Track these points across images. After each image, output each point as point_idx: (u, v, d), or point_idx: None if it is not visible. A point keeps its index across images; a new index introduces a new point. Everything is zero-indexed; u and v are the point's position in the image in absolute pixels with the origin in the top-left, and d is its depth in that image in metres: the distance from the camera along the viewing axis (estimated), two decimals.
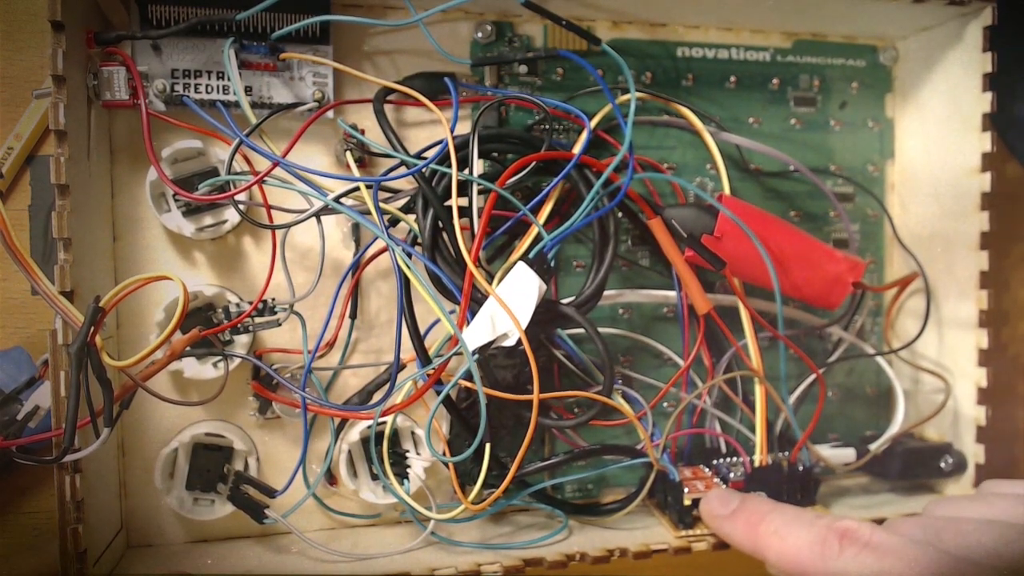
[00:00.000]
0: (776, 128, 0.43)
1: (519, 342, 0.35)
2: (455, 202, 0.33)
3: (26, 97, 0.36)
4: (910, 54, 0.44)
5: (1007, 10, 0.39)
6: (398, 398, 0.35)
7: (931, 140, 0.43)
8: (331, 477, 0.38)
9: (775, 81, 0.43)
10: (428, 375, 0.33)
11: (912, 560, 0.28)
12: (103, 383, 0.28)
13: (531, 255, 0.34)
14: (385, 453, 0.35)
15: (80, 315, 0.28)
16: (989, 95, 0.40)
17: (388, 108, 0.36)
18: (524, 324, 0.32)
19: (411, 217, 0.35)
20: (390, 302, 0.38)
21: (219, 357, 0.35)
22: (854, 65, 0.44)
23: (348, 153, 0.35)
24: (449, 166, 0.33)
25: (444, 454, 0.36)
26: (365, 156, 0.36)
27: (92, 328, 0.27)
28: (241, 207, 0.33)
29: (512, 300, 0.33)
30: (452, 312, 0.34)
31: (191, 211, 0.35)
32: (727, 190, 0.40)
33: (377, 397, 0.37)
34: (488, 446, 0.33)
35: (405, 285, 0.33)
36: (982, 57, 0.40)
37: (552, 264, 0.34)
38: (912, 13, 0.40)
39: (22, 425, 0.35)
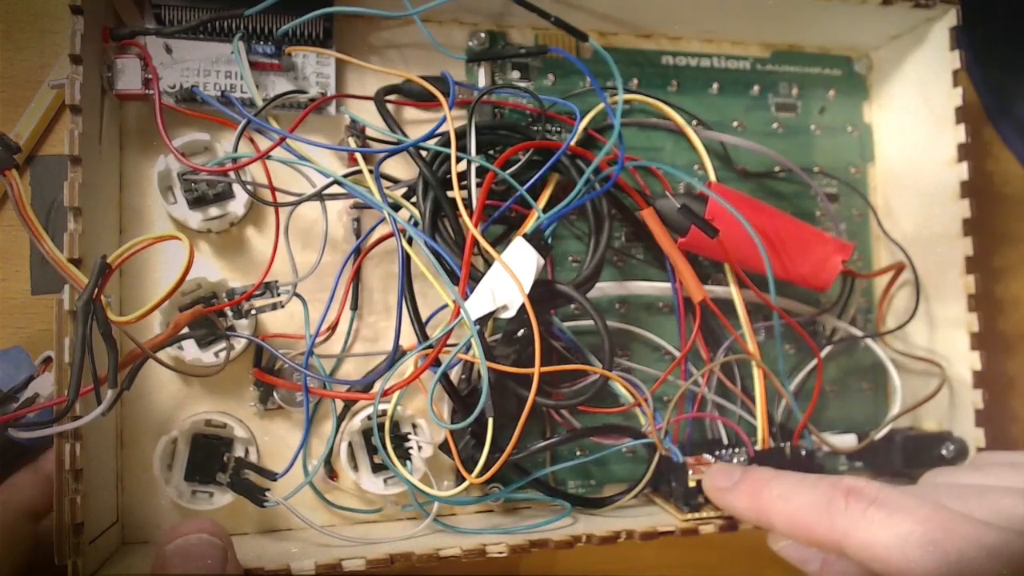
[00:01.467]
0: (759, 131, 0.45)
1: (518, 325, 0.36)
2: (455, 181, 0.34)
3: (26, 97, 0.37)
4: (883, 63, 0.47)
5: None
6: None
7: (909, 140, 0.45)
8: (331, 471, 0.38)
9: (756, 88, 0.45)
10: (428, 353, 0.34)
11: (923, 517, 0.28)
12: (108, 340, 0.28)
13: (528, 231, 0.35)
14: (387, 435, 0.35)
15: (86, 279, 0.29)
16: (960, 90, 0.42)
17: (388, 108, 0.38)
18: (527, 290, 0.33)
19: (411, 203, 0.36)
20: (391, 292, 0.39)
21: (221, 345, 0.35)
22: (830, 74, 0.47)
23: (351, 139, 0.36)
24: (448, 150, 0.34)
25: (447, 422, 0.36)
26: (368, 145, 0.37)
27: (98, 284, 0.28)
28: (247, 187, 0.34)
29: (513, 272, 0.33)
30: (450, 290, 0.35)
31: (197, 201, 0.36)
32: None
33: (378, 385, 0.37)
34: (491, 420, 0.33)
35: (406, 265, 0.34)
36: (950, 56, 0.42)
37: (550, 242, 0.35)
38: (882, 20, 0.43)
39: (20, 407, 0.34)
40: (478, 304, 0.33)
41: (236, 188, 0.36)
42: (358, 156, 0.35)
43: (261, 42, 0.37)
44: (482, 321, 0.33)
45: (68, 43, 0.31)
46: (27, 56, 0.37)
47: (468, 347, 0.34)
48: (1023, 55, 0.46)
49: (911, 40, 0.44)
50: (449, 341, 0.35)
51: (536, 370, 0.33)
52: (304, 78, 0.38)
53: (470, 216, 0.34)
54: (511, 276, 0.32)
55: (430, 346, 0.34)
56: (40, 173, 0.37)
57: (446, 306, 0.37)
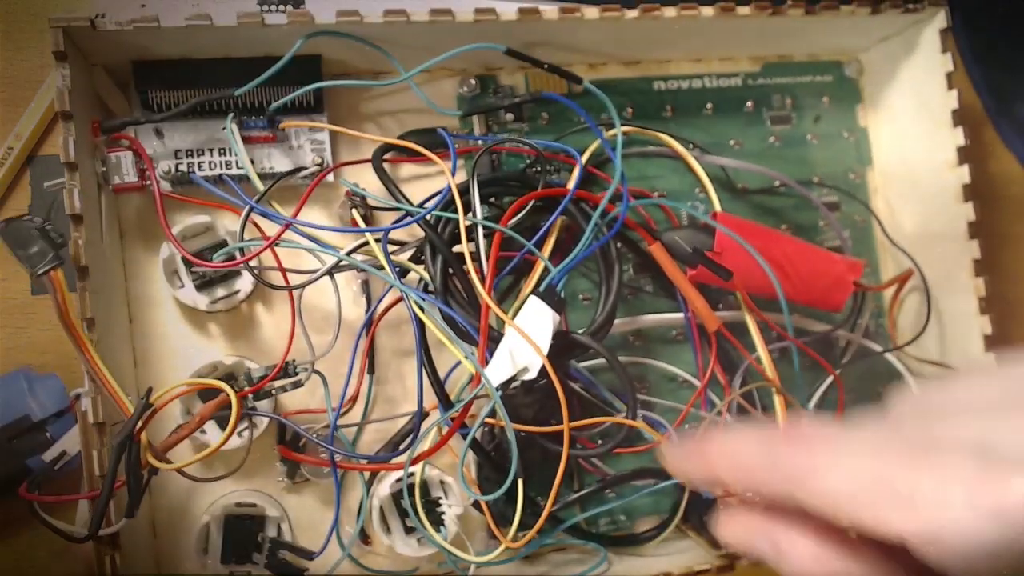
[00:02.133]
0: (756, 147, 0.45)
1: (538, 376, 0.36)
2: (465, 245, 0.34)
3: (26, 97, 0.37)
4: (873, 65, 0.46)
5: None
6: (424, 445, 0.36)
7: (906, 143, 0.45)
8: (364, 536, 0.38)
9: (749, 104, 0.45)
10: (452, 419, 0.34)
11: (872, 451, 0.23)
12: (135, 474, 0.28)
13: (541, 288, 0.35)
14: (418, 501, 0.35)
15: (129, 403, 0.29)
16: (955, 92, 0.41)
17: (385, 166, 0.37)
18: (545, 352, 0.33)
19: (419, 267, 0.36)
20: (406, 353, 0.39)
21: (244, 424, 0.35)
22: (822, 81, 0.47)
23: (354, 210, 0.36)
24: (452, 212, 0.34)
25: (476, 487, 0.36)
26: (370, 212, 0.37)
27: (138, 423, 0.28)
28: (255, 271, 0.34)
29: (529, 333, 0.33)
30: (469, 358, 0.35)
31: (204, 284, 0.36)
32: (719, 209, 0.42)
33: (403, 447, 0.37)
34: (521, 482, 0.33)
35: (421, 331, 0.34)
36: (942, 58, 0.42)
37: (563, 296, 0.35)
38: (870, 25, 0.43)
39: (48, 470, 0.34)
40: (498, 370, 0.33)
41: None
42: (362, 226, 0.35)
43: (253, 116, 0.36)
44: (504, 386, 0.33)
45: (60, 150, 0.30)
46: (27, 56, 0.37)
47: (492, 411, 0.34)
48: (1023, 55, 0.46)
49: (901, 43, 0.44)
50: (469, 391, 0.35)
51: (565, 426, 0.33)
52: (299, 147, 0.37)
53: (482, 282, 0.34)
54: (530, 343, 0.32)
55: (453, 410, 0.34)
56: (40, 173, 0.37)
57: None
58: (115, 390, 0.29)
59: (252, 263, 0.34)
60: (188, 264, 0.35)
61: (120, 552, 0.30)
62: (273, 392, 0.35)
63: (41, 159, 0.37)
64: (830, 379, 0.42)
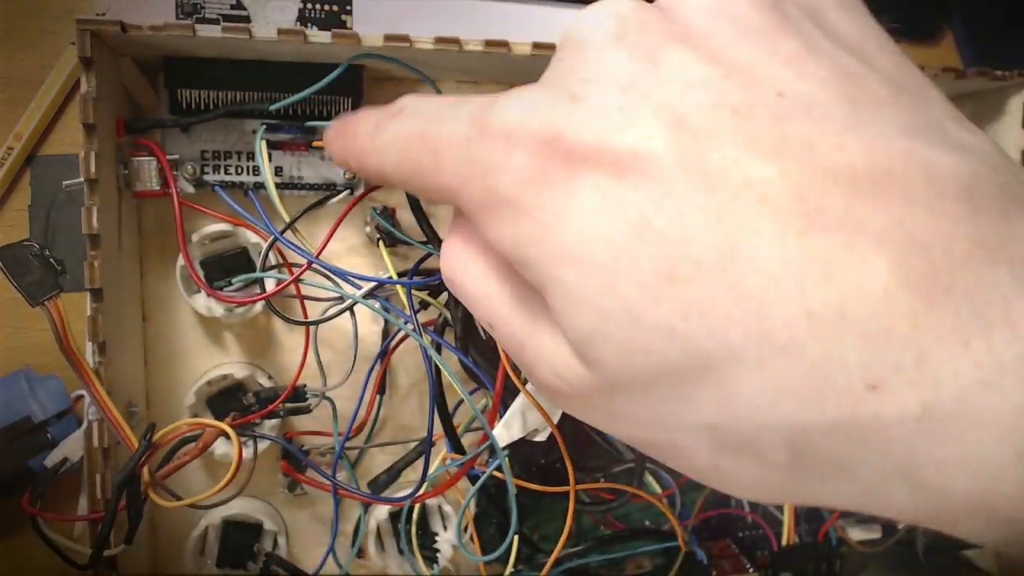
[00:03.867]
0: None
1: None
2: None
3: (26, 97, 0.36)
4: None
5: None
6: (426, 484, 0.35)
7: None
8: (359, 551, 0.38)
9: None
10: (459, 465, 0.34)
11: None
12: (135, 510, 0.28)
13: None
14: (414, 535, 0.35)
15: (133, 435, 0.28)
16: None
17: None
18: (556, 420, 0.32)
19: (441, 301, 0.35)
20: (419, 377, 0.38)
21: (248, 440, 0.35)
22: None
23: (380, 243, 0.34)
24: None
25: (471, 538, 0.37)
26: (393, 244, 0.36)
27: (140, 461, 0.27)
28: (274, 307, 0.33)
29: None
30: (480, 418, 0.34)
31: None
32: None
33: (406, 474, 0.37)
34: (516, 538, 0.33)
35: (437, 378, 0.33)
36: (1022, 132, 0.39)
37: None
38: (952, 87, 0.40)
39: (50, 477, 0.35)
40: (508, 430, 0.32)
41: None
42: (387, 261, 0.34)
43: (286, 122, 0.34)
44: (512, 446, 0.32)
45: (82, 161, 0.29)
46: (27, 56, 0.36)
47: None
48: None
49: (981, 105, 0.41)
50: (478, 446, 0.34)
51: (571, 488, 0.33)
52: (331, 159, 0.35)
53: None
54: (542, 415, 0.31)
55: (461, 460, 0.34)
56: (40, 173, 0.37)
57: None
58: (120, 424, 0.28)
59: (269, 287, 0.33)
60: (206, 272, 0.34)
61: (117, 573, 0.30)
62: (282, 414, 0.35)
63: (41, 159, 0.36)
64: None
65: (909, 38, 0.42)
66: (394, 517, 0.38)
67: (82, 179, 0.29)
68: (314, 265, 0.32)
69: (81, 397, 0.36)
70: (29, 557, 0.35)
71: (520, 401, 0.33)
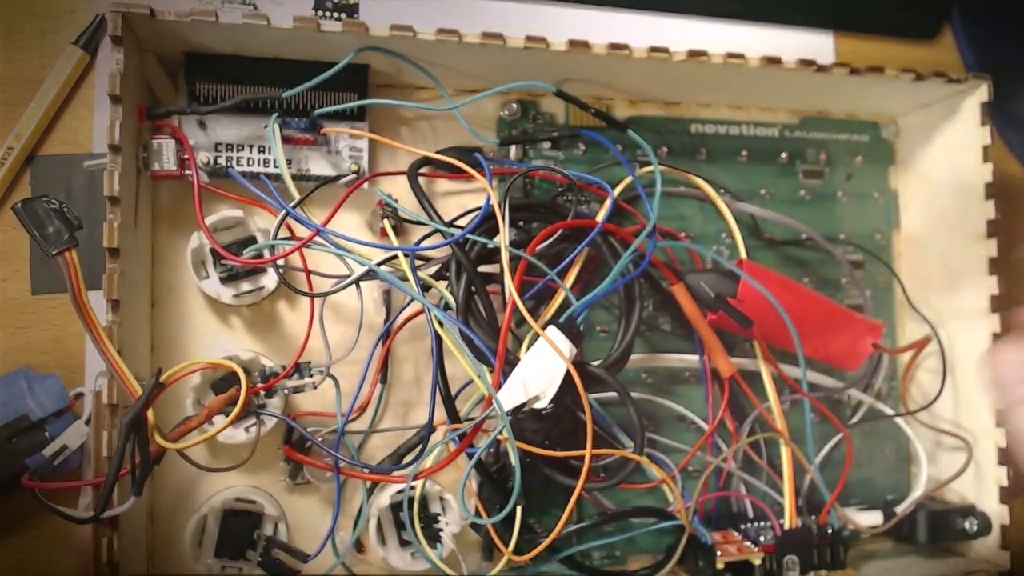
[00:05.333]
0: (786, 198, 0.45)
1: (549, 404, 0.36)
2: (506, 267, 0.34)
3: (26, 97, 0.37)
4: (910, 129, 0.47)
5: None
6: (429, 461, 0.36)
7: (935, 210, 0.45)
8: (359, 545, 0.38)
9: (784, 155, 0.45)
10: (460, 439, 0.34)
11: None
12: (144, 453, 0.28)
13: (561, 320, 0.35)
14: (416, 517, 0.35)
15: (137, 384, 0.29)
16: (990, 166, 0.42)
17: (420, 180, 0.38)
18: (555, 390, 0.33)
19: (443, 284, 0.36)
20: (420, 364, 0.39)
21: (252, 420, 0.35)
22: (858, 140, 0.47)
23: (385, 221, 0.36)
24: (480, 234, 0.34)
25: (478, 515, 0.36)
26: (400, 223, 0.37)
27: (148, 403, 0.28)
28: (280, 271, 0.34)
29: (545, 363, 0.33)
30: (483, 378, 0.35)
31: (230, 278, 0.36)
32: (744, 255, 0.42)
33: (407, 459, 0.38)
34: (520, 508, 0.33)
35: (439, 348, 0.34)
36: (980, 131, 0.42)
37: (581, 329, 0.35)
38: (912, 91, 0.43)
39: (49, 463, 0.34)
40: (510, 395, 0.33)
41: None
42: (392, 237, 0.35)
43: (296, 118, 0.37)
44: (514, 412, 0.33)
45: (106, 129, 0.31)
46: (27, 56, 0.37)
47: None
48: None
49: (941, 111, 0.44)
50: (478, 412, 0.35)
51: (588, 452, 0.33)
52: (337, 152, 0.38)
53: (503, 302, 0.34)
54: (553, 348, 0.32)
55: (461, 429, 0.34)
56: (40, 173, 0.37)
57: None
58: (124, 373, 0.29)
59: (280, 262, 0.34)
60: (216, 256, 0.36)
61: (119, 534, 0.30)
62: (285, 392, 0.36)
63: (41, 159, 0.37)
64: (839, 436, 0.42)
65: (909, 38, 0.43)
66: (395, 508, 0.37)
67: (105, 160, 0.31)
68: (321, 236, 0.33)
69: (80, 395, 0.36)
70: (29, 555, 0.35)
71: (521, 368, 0.34)
